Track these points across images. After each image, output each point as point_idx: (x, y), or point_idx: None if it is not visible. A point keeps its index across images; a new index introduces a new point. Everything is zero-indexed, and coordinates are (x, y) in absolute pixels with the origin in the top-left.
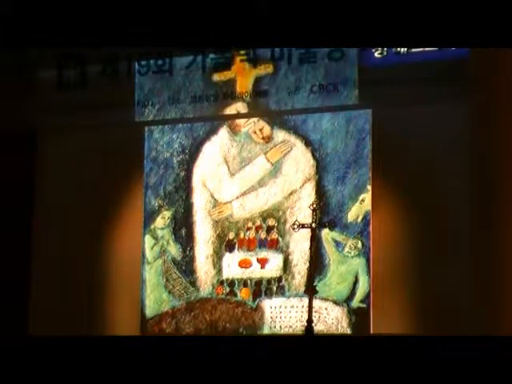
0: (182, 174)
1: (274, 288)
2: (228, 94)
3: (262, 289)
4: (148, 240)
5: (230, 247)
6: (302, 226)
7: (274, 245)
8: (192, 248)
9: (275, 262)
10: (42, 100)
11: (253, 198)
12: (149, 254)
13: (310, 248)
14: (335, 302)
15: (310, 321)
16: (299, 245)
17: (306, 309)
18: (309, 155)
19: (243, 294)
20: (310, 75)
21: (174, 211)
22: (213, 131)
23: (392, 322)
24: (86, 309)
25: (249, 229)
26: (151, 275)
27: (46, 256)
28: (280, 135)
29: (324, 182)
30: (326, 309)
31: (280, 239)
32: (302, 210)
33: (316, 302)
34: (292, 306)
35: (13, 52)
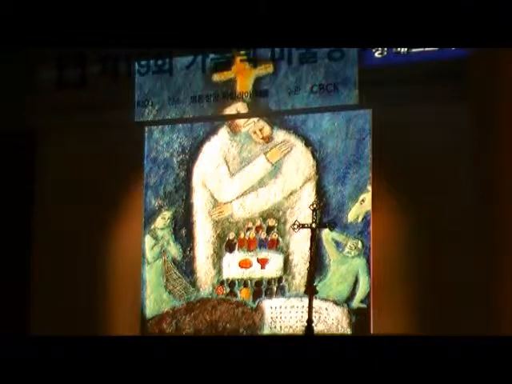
0: (182, 174)
1: (274, 288)
2: (228, 94)
3: (262, 289)
4: (148, 240)
5: (230, 247)
6: (302, 226)
7: (274, 245)
8: (192, 248)
9: (275, 262)
10: (42, 100)
11: (253, 198)
12: (149, 255)
13: (310, 248)
14: (335, 303)
15: (310, 321)
16: (299, 245)
17: (306, 309)
18: (309, 155)
19: (243, 294)
20: (309, 75)
21: (174, 211)
22: (213, 131)
23: (392, 321)
24: (86, 309)
25: (249, 229)
26: (151, 275)
27: (46, 256)
28: (280, 135)
29: (324, 182)
30: (327, 309)
31: (280, 239)
32: (302, 210)
33: (316, 303)
34: (292, 307)
35: (13, 52)
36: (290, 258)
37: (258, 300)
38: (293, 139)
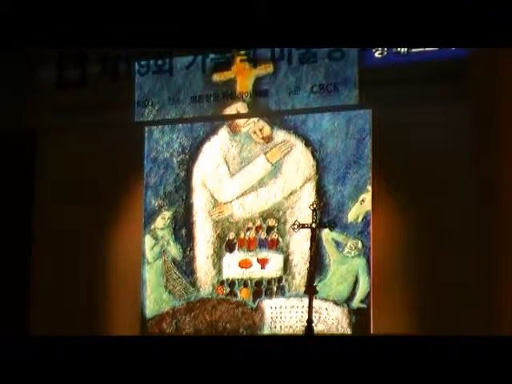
0: (182, 174)
1: (274, 288)
2: (228, 94)
3: (262, 289)
4: (148, 240)
5: (230, 247)
6: (302, 226)
7: (274, 245)
8: (192, 248)
9: (275, 262)
10: (42, 100)
11: (253, 198)
12: (149, 255)
13: (310, 248)
14: (335, 303)
15: (310, 321)
16: (299, 245)
17: (306, 309)
18: (309, 155)
19: (243, 294)
20: (310, 75)
21: (174, 211)
22: (213, 131)
23: (392, 321)
24: (86, 309)
25: (249, 229)
26: (151, 275)
27: (46, 256)
28: (280, 135)
29: (324, 182)
30: (327, 309)
31: (280, 239)
32: (302, 210)
33: (316, 303)
34: (292, 307)
35: (13, 52)
36: (290, 257)
37: (258, 300)
38: (293, 139)
